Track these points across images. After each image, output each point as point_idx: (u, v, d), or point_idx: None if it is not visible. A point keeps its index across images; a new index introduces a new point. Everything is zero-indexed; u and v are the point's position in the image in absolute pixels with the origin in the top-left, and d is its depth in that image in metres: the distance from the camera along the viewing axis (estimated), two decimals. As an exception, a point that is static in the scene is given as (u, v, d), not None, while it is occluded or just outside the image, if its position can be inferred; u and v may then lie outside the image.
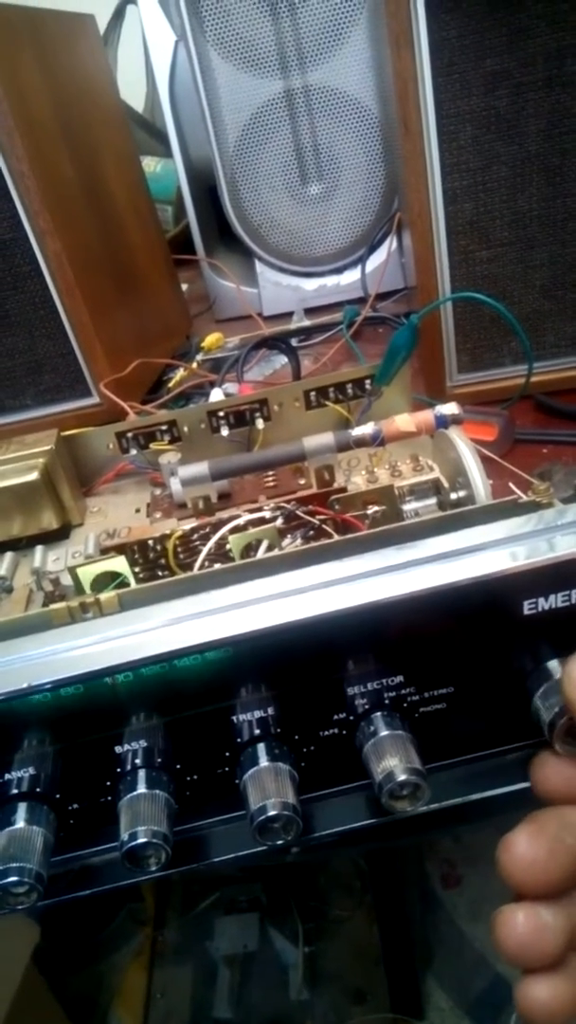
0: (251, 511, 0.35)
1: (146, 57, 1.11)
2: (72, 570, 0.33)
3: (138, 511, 0.53)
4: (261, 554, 0.32)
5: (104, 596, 0.28)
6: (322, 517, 0.36)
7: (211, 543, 0.34)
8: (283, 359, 0.78)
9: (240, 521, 0.34)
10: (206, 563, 0.34)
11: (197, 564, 0.34)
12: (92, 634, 0.27)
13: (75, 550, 0.50)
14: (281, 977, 1.13)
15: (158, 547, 0.37)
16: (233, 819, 0.31)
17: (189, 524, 0.37)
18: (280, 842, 0.27)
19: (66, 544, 0.51)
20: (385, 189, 0.81)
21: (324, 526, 0.36)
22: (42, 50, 0.61)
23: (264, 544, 0.33)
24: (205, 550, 0.34)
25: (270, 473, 0.52)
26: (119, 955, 1.22)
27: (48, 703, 0.28)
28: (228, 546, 0.34)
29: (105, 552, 0.36)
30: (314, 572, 0.28)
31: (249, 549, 0.33)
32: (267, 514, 0.35)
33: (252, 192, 0.82)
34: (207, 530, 0.36)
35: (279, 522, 0.34)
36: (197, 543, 0.37)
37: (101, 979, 1.21)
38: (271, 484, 0.51)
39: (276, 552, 0.30)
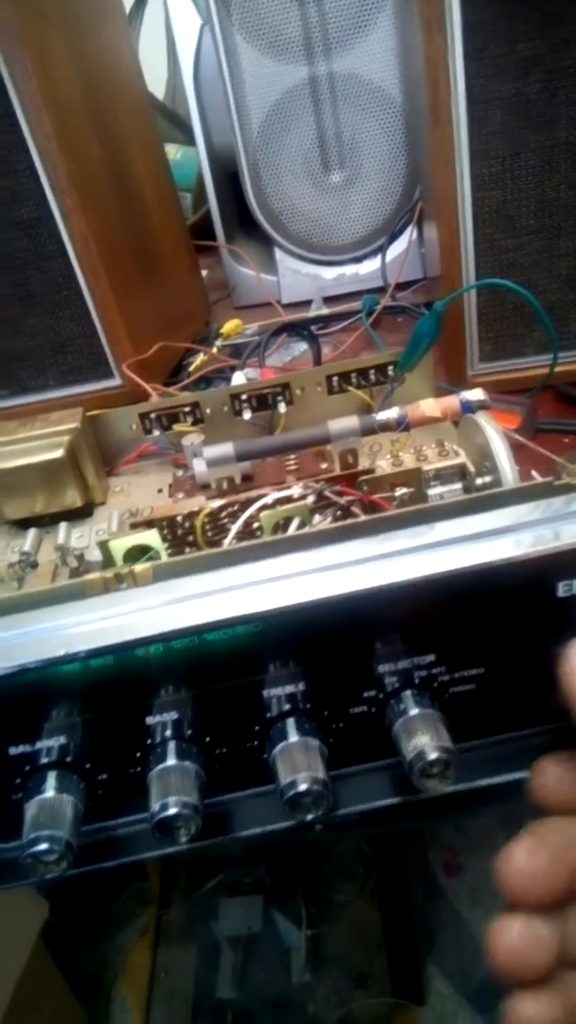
0: (278, 490, 0.36)
1: (169, 42, 1.11)
2: (103, 544, 0.33)
3: (160, 491, 0.54)
4: (292, 531, 0.33)
5: (139, 567, 0.28)
6: (350, 498, 0.36)
7: (242, 519, 0.34)
8: (303, 346, 0.78)
9: (270, 499, 0.35)
10: (235, 540, 0.34)
11: (227, 540, 0.34)
12: (125, 604, 0.28)
13: (99, 528, 0.50)
14: (284, 959, 1.14)
15: (187, 524, 0.37)
16: (260, 794, 0.31)
17: (217, 502, 0.37)
18: (310, 817, 0.28)
19: (89, 522, 0.52)
20: (406, 178, 0.81)
21: (351, 507, 0.36)
22: (71, 30, 0.61)
23: (295, 522, 0.33)
24: (236, 526, 0.34)
25: (292, 456, 0.52)
26: (123, 935, 1.23)
27: (80, 672, 0.29)
28: (257, 524, 0.34)
29: (135, 527, 0.37)
30: (346, 549, 0.29)
31: (278, 527, 0.33)
32: (297, 492, 0.35)
33: (274, 179, 0.82)
34: (235, 508, 0.37)
35: (310, 500, 0.34)
36: (225, 521, 0.37)
37: (105, 957, 1.22)
38: (293, 467, 0.51)
39: (308, 529, 0.31)
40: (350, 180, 0.82)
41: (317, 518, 0.34)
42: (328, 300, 0.88)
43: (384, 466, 0.38)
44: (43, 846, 0.28)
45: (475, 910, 1.17)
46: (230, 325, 0.82)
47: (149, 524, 0.36)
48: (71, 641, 0.27)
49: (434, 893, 1.21)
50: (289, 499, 0.35)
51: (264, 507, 0.34)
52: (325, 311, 0.84)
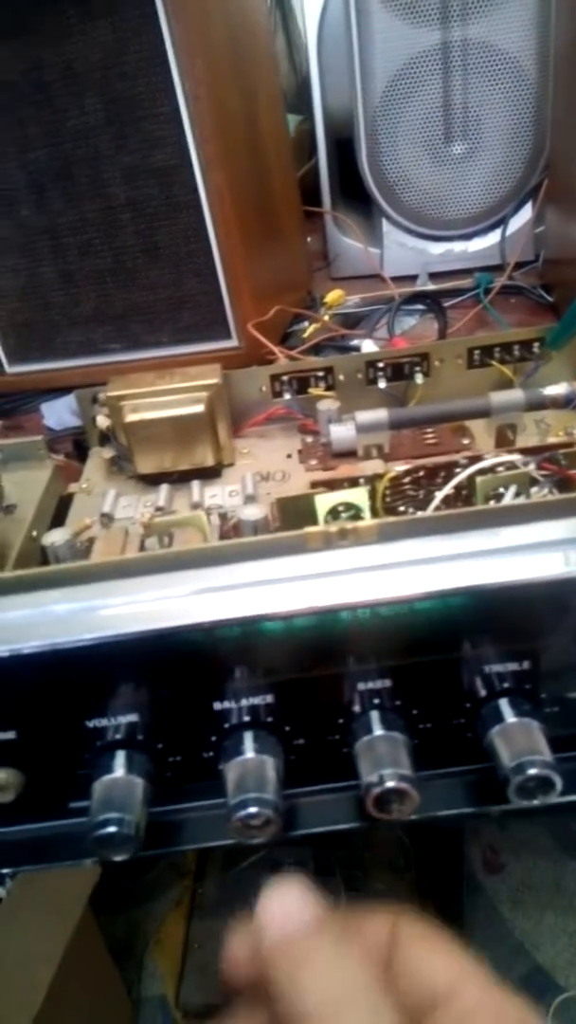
0: (471, 458, 0.34)
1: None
2: (308, 497, 0.32)
3: (289, 456, 0.52)
4: (507, 500, 0.31)
5: (363, 524, 0.26)
6: (545, 472, 0.34)
7: (454, 483, 0.32)
8: (412, 320, 0.76)
9: (485, 464, 0.33)
10: (442, 505, 0.32)
11: (434, 503, 0.32)
12: (352, 563, 0.26)
13: (232, 488, 0.49)
14: (320, 943, 1.13)
15: (368, 487, 0.35)
16: (464, 772, 0.30)
17: (402, 466, 0.35)
18: (535, 802, 0.26)
19: (220, 482, 0.50)
20: (530, 155, 0.78)
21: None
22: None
23: (511, 490, 0.31)
24: (445, 490, 0.32)
25: (430, 430, 0.50)
26: (157, 904, 1.23)
27: (280, 632, 0.27)
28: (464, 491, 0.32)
29: (315, 487, 0.35)
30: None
31: (488, 498, 0.32)
32: (501, 461, 0.33)
33: (391, 147, 0.80)
34: (420, 474, 0.35)
35: (532, 468, 0.32)
36: (407, 487, 0.35)
37: (138, 925, 1.22)
38: (432, 441, 0.49)
39: (537, 499, 0.29)
40: (471, 153, 0.79)
41: (534, 490, 0.32)
42: (432, 276, 0.85)
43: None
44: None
45: (515, 911, 1.16)
46: (333, 295, 0.80)
47: (329, 485, 0.34)
48: (293, 596, 0.26)
49: (473, 890, 1.19)
50: (489, 469, 0.33)
51: (480, 472, 0.32)
52: (432, 287, 0.81)
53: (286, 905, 0.24)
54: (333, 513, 0.31)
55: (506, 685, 0.27)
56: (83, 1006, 0.91)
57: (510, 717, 0.27)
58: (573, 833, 1.16)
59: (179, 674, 0.28)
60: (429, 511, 0.33)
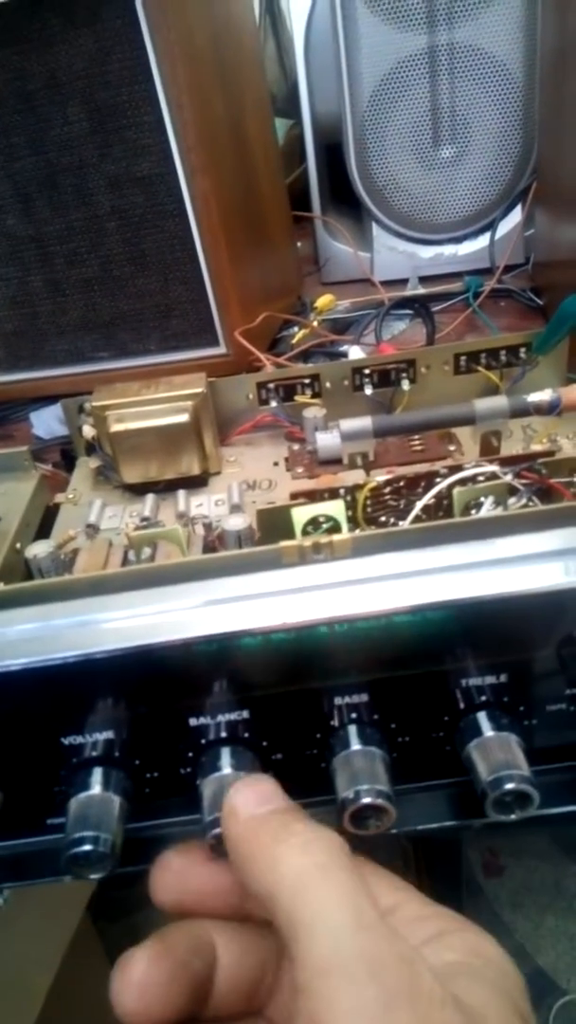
0: (451, 468, 0.34)
1: (262, 5, 1.08)
2: (285, 509, 0.32)
3: (276, 464, 0.52)
4: (485, 511, 0.31)
5: (337, 538, 0.26)
6: (525, 482, 0.34)
7: (431, 494, 0.32)
8: (402, 325, 0.76)
9: (465, 474, 0.32)
10: (422, 515, 0.32)
11: (411, 515, 0.32)
12: (327, 578, 0.26)
13: (218, 497, 0.49)
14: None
15: (348, 497, 0.35)
16: (438, 787, 0.29)
17: (382, 476, 0.35)
18: (513, 817, 0.26)
19: (206, 491, 0.50)
20: (519, 158, 0.78)
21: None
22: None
23: (488, 501, 0.31)
24: (422, 501, 0.32)
25: (416, 437, 0.50)
26: (156, 910, 1.22)
27: (257, 647, 0.27)
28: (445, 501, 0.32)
29: (295, 497, 0.35)
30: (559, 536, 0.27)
31: (468, 507, 0.31)
32: (477, 472, 0.33)
33: (379, 151, 0.80)
34: (400, 484, 0.35)
35: (508, 478, 0.32)
36: (388, 497, 0.35)
37: (137, 931, 1.21)
38: (418, 448, 0.49)
39: (515, 511, 0.29)
40: (459, 156, 0.79)
41: (512, 500, 0.32)
42: (422, 280, 0.85)
43: (568, 447, 0.36)
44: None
45: (515, 914, 1.15)
46: (324, 300, 0.80)
47: (309, 495, 0.34)
48: (270, 612, 0.25)
49: (473, 892, 1.19)
50: (468, 479, 0.33)
51: (458, 483, 0.32)
52: (422, 291, 0.81)
53: (260, 790, 0.24)
54: (314, 524, 0.31)
55: (483, 699, 0.27)
56: (82, 1013, 0.90)
57: (488, 731, 0.27)
58: (574, 836, 1.16)
59: (155, 691, 0.28)
60: (407, 523, 0.33)
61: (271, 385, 0.53)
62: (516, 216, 0.81)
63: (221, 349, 0.63)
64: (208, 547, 0.41)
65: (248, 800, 0.24)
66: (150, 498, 0.48)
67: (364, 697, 0.27)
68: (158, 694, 0.28)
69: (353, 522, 0.35)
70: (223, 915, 0.26)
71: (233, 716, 0.28)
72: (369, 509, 0.35)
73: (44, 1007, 0.79)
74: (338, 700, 0.28)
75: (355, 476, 0.37)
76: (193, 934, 0.25)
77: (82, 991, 0.90)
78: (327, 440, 0.47)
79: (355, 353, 0.62)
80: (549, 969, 1.10)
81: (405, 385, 0.53)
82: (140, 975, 0.23)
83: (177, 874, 0.26)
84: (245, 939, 0.26)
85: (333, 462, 0.48)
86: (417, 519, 0.32)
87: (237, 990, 0.26)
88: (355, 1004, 0.19)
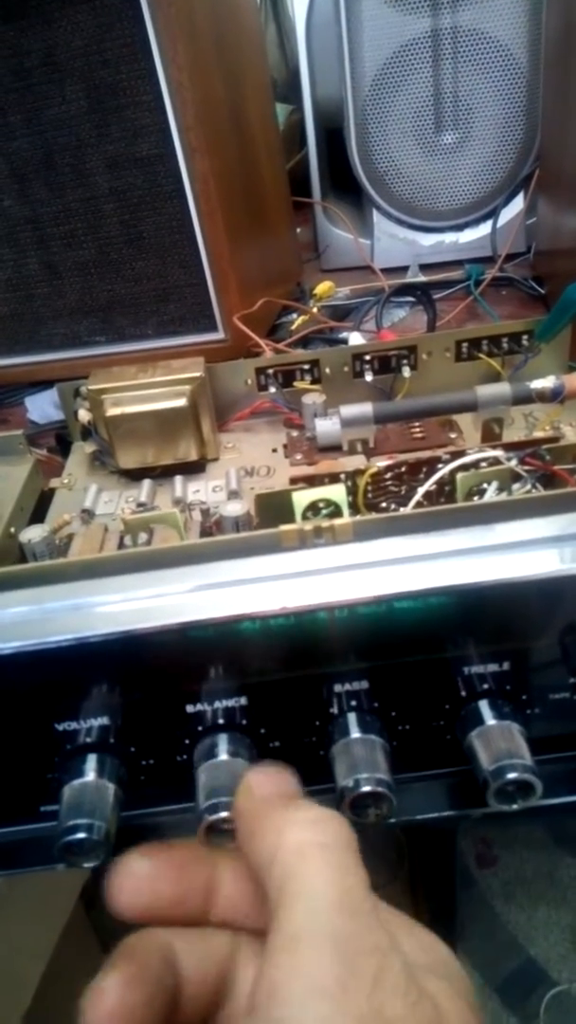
0: (453, 454, 0.33)
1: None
2: (285, 494, 0.31)
3: (275, 451, 0.51)
4: (489, 497, 0.30)
5: (339, 523, 0.26)
6: (529, 468, 0.34)
7: (434, 479, 0.31)
8: (402, 312, 0.75)
9: (468, 460, 0.32)
10: (423, 500, 0.31)
11: (414, 500, 0.32)
12: (327, 562, 0.25)
13: (215, 484, 0.48)
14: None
15: (348, 483, 0.35)
16: (439, 776, 0.29)
17: (383, 461, 0.35)
18: (515, 807, 0.25)
19: (204, 477, 0.49)
20: (522, 144, 0.77)
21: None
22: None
23: (492, 487, 0.30)
24: (425, 486, 0.32)
25: (417, 424, 0.49)
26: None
27: (256, 632, 0.27)
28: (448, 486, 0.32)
29: (295, 482, 0.34)
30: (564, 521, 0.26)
31: (471, 493, 0.31)
32: (482, 457, 0.33)
33: (381, 136, 0.79)
34: (402, 469, 0.34)
35: (513, 464, 0.32)
36: (389, 482, 0.35)
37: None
38: (419, 436, 0.48)
39: (518, 496, 0.28)
40: (462, 142, 0.78)
41: (516, 486, 0.32)
42: (423, 268, 0.84)
43: (571, 434, 0.35)
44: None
45: (508, 904, 1.15)
46: (323, 286, 0.79)
47: (309, 480, 0.34)
48: (268, 596, 0.25)
49: (466, 883, 1.19)
50: (473, 464, 0.32)
51: (461, 468, 0.32)
52: (422, 278, 0.80)
53: (279, 778, 0.24)
54: (314, 509, 0.31)
55: (485, 687, 0.27)
56: (74, 1001, 0.90)
57: (490, 719, 0.26)
58: (567, 827, 1.16)
59: (151, 676, 0.28)
60: (408, 508, 0.32)
61: (270, 371, 0.52)
62: (518, 204, 0.80)
63: (219, 334, 0.63)
64: (205, 533, 0.41)
65: (264, 782, 0.23)
66: (146, 484, 0.47)
67: (364, 684, 0.27)
68: (153, 680, 0.28)
69: (354, 508, 0.35)
70: (186, 921, 0.25)
71: (231, 703, 0.28)
72: (370, 495, 0.35)
73: (36, 996, 0.79)
74: (337, 687, 0.27)
75: (356, 461, 0.36)
76: (160, 945, 0.23)
77: (75, 980, 0.90)
78: (326, 426, 0.47)
79: (355, 340, 0.61)
80: (541, 959, 1.11)
81: (406, 372, 0.52)
82: (114, 1003, 0.21)
83: (146, 880, 0.24)
84: (203, 945, 0.25)
85: (332, 449, 0.47)
86: (419, 505, 0.32)
87: (196, 998, 0.24)
88: (313, 978, 0.19)
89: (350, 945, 0.20)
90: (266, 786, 0.23)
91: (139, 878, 0.24)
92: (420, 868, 1.18)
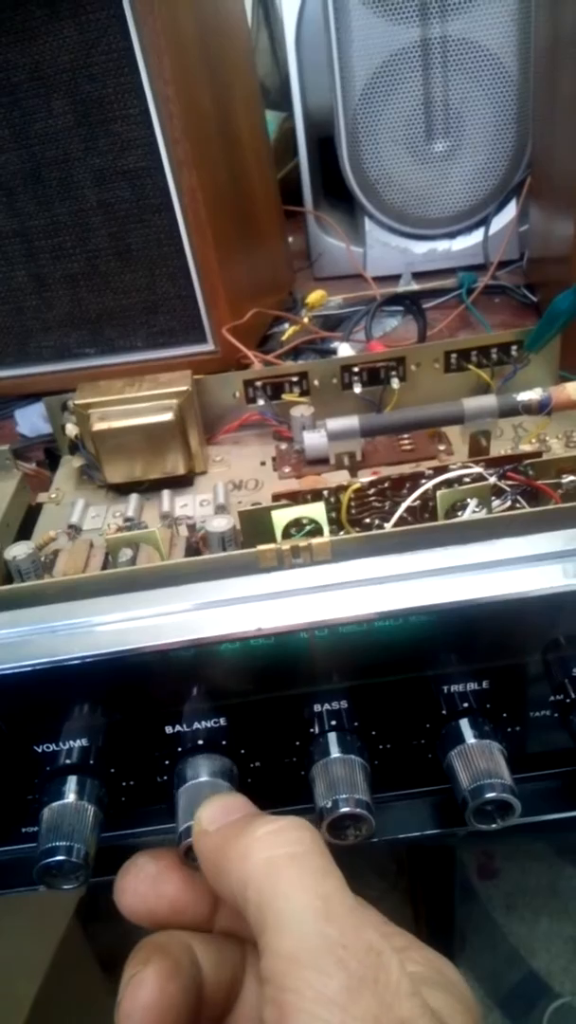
0: (436, 469, 0.33)
1: None
2: (266, 512, 0.31)
3: (263, 464, 0.51)
4: (468, 514, 0.30)
5: (316, 542, 0.25)
6: (511, 483, 0.33)
7: (415, 495, 0.31)
8: (394, 322, 0.75)
9: (450, 476, 0.32)
10: (406, 516, 0.31)
11: (394, 518, 0.31)
12: (305, 582, 0.25)
13: (203, 498, 0.48)
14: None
15: (332, 499, 0.34)
16: (419, 795, 0.29)
17: (367, 477, 0.34)
18: (494, 826, 0.25)
19: (192, 491, 0.49)
20: (513, 153, 0.77)
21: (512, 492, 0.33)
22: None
23: (472, 503, 0.30)
24: (406, 503, 0.31)
25: (406, 437, 0.49)
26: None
27: (234, 654, 0.26)
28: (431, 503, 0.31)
29: (277, 499, 0.34)
30: (543, 541, 0.26)
31: (454, 508, 0.31)
32: (462, 473, 0.32)
33: (372, 145, 0.79)
34: (385, 485, 0.34)
35: (493, 480, 0.31)
36: (372, 498, 0.34)
37: (127, 935, 1.21)
38: (408, 448, 0.48)
39: (496, 514, 0.28)
40: (453, 151, 0.78)
41: (497, 502, 0.31)
42: (416, 276, 0.84)
43: (556, 448, 0.35)
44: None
45: (510, 916, 1.15)
46: (315, 296, 0.79)
47: (292, 497, 0.33)
48: (245, 618, 0.25)
49: (467, 895, 1.18)
50: (456, 480, 0.32)
51: (443, 484, 0.31)
52: (415, 287, 0.80)
53: (226, 804, 0.24)
54: (298, 526, 0.30)
55: (465, 705, 0.26)
56: (70, 1019, 0.89)
57: (470, 738, 0.26)
58: (569, 838, 1.15)
59: (130, 698, 0.27)
60: (390, 525, 0.32)
61: (258, 383, 0.52)
62: (511, 211, 0.80)
63: (209, 346, 0.63)
64: (192, 548, 0.40)
65: (215, 814, 0.23)
66: (134, 498, 0.47)
67: (343, 704, 0.27)
68: (132, 701, 0.27)
69: (337, 524, 0.34)
70: (193, 926, 0.25)
71: (210, 723, 0.27)
72: (353, 511, 0.34)
73: (31, 1012, 0.78)
74: (317, 707, 0.27)
75: (339, 477, 0.36)
76: (186, 945, 0.24)
77: (70, 997, 0.89)
78: (314, 439, 0.46)
79: (344, 350, 0.61)
80: (543, 972, 1.10)
81: (395, 383, 0.52)
82: (154, 994, 0.22)
83: (152, 880, 0.25)
84: (216, 950, 0.25)
85: (320, 462, 0.47)
86: (401, 520, 0.31)
87: (213, 1001, 0.25)
88: (321, 992, 0.19)
89: (344, 951, 0.20)
90: (218, 816, 0.23)
91: (145, 878, 0.25)
92: (420, 879, 1.17)
